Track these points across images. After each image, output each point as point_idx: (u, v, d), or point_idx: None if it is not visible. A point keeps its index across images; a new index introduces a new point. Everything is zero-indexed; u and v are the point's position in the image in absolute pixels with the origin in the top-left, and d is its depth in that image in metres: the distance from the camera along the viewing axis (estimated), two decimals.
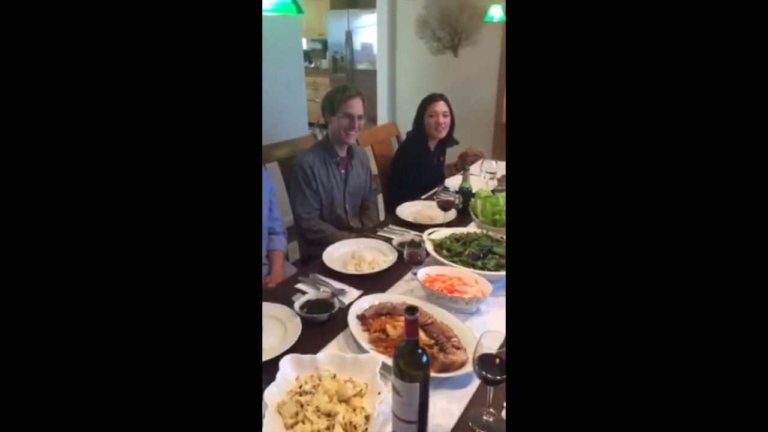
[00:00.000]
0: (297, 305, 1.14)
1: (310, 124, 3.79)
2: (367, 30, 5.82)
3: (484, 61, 3.63)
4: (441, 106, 2.06)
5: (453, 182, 2.09)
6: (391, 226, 1.70)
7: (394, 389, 0.76)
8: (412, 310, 0.73)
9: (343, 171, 1.86)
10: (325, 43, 6.41)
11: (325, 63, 6.47)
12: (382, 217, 2.15)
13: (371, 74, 5.71)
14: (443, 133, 2.12)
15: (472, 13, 3.62)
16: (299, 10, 0.88)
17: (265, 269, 1.61)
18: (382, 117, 4.43)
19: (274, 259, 1.62)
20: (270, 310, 1.15)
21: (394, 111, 4.39)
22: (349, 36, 6.02)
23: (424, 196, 1.99)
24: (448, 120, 2.09)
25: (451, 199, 1.62)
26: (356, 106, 1.74)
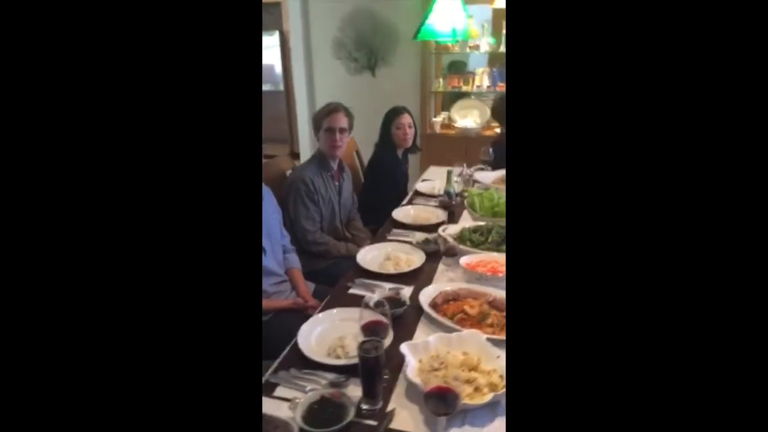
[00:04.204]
0: (373, 305, 1.21)
1: None
2: (267, 51, 5.79)
3: (402, 79, 3.92)
4: (406, 119, 2.26)
5: (425, 186, 2.29)
6: (394, 230, 1.82)
7: None
8: None
9: (337, 183, 1.94)
10: None
11: None
12: None
13: (274, 95, 5.69)
14: (410, 143, 2.31)
15: (386, 35, 3.90)
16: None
17: (285, 286, 1.61)
18: (304, 136, 4.48)
19: (296, 277, 1.64)
20: (346, 314, 1.21)
21: None
22: None
23: (404, 201, 2.15)
24: (412, 131, 2.29)
25: (449, 200, 1.82)
26: (338, 120, 1.84)
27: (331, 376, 0.99)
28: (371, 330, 0.96)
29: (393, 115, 2.27)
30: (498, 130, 3.24)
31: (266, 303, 1.48)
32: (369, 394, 0.89)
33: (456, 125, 3.69)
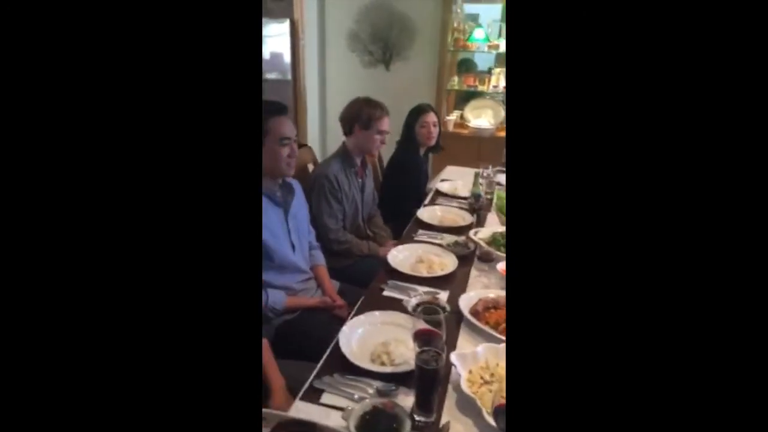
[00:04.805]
0: (412, 309, 1.18)
1: None
2: (276, 39, 5.69)
3: (417, 75, 3.87)
4: (432, 117, 2.21)
5: (446, 186, 2.26)
6: (420, 231, 1.79)
7: None
8: None
9: (360, 180, 1.90)
10: None
11: None
12: None
13: (282, 84, 5.58)
14: (434, 142, 2.27)
15: (402, 29, 3.84)
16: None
17: (311, 284, 1.57)
18: (313, 128, 4.42)
19: (321, 275, 1.59)
20: (387, 318, 1.17)
21: (324, 122, 4.42)
22: None
23: (426, 201, 2.12)
24: (437, 129, 2.25)
25: (476, 202, 1.79)
26: (388, 124, 1.84)
27: (377, 383, 0.96)
28: (423, 339, 0.92)
29: (418, 112, 2.22)
30: None
31: (294, 301, 1.44)
32: (424, 406, 0.86)
33: (469, 125, 3.65)
